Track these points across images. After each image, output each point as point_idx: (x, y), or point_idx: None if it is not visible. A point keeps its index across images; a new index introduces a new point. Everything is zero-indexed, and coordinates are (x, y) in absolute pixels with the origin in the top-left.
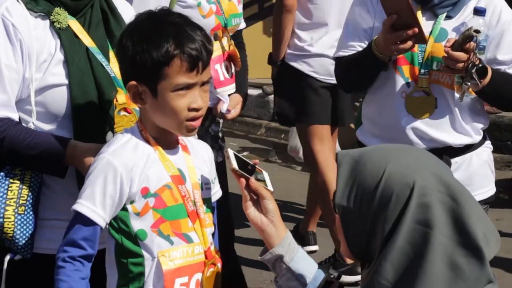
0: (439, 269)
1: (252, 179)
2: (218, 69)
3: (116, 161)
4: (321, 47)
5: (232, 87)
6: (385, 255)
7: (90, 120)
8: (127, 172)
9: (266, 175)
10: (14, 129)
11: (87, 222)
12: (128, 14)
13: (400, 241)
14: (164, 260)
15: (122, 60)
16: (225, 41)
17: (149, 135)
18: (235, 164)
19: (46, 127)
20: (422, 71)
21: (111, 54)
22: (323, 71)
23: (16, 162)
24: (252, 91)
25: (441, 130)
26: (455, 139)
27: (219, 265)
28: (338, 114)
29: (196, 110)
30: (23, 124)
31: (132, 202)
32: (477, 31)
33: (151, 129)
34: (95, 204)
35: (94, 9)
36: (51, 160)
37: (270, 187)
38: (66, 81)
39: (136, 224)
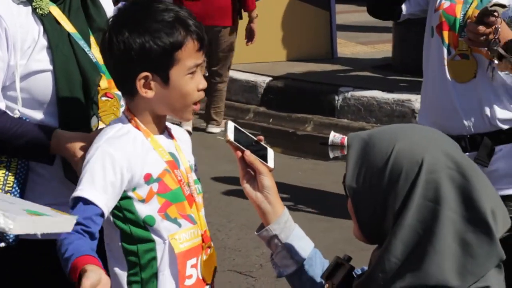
0: (449, 245)
1: (247, 152)
2: None
3: (111, 149)
4: None
5: None
6: (395, 233)
7: (74, 106)
8: (125, 159)
9: (270, 152)
10: (0, 118)
11: (89, 204)
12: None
13: (409, 218)
14: (175, 243)
15: (123, 53)
16: None
17: (139, 124)
18: (230, 136)
19: (32, 113)
20: (463, 34)
21: (92, 39)
22: None
23: (2, 151)
24: (240, 76)
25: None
26: (500, 114)
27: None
28: None
29: (203, 90)
30: (9, 112)
31: (134, 189)
32: (501, 5)
33: (141, 118)
34: (96, 189)
35: None
36: (38, 149)
37: (270, 164)
38: (50, 67)
39: (143, 211)
